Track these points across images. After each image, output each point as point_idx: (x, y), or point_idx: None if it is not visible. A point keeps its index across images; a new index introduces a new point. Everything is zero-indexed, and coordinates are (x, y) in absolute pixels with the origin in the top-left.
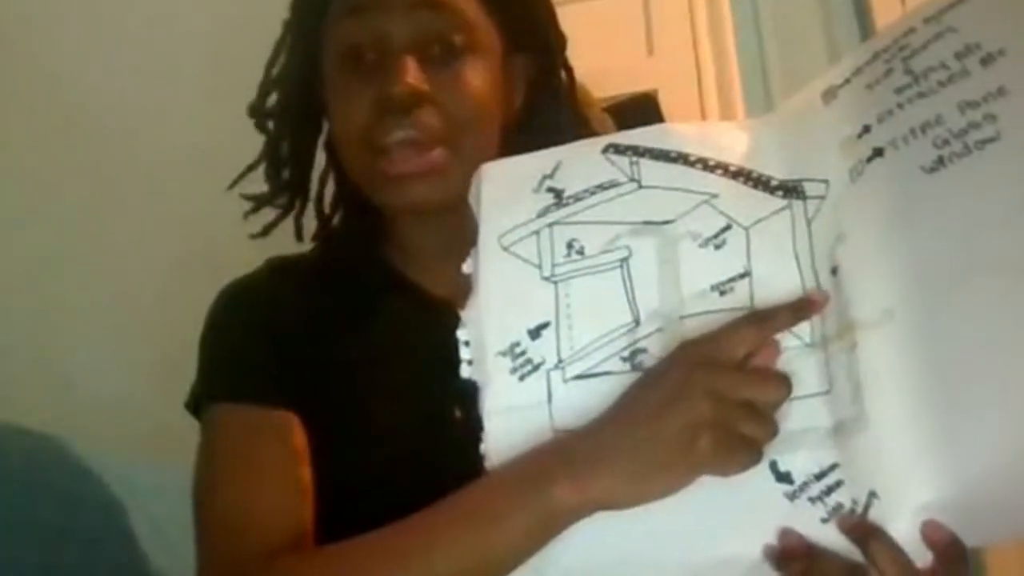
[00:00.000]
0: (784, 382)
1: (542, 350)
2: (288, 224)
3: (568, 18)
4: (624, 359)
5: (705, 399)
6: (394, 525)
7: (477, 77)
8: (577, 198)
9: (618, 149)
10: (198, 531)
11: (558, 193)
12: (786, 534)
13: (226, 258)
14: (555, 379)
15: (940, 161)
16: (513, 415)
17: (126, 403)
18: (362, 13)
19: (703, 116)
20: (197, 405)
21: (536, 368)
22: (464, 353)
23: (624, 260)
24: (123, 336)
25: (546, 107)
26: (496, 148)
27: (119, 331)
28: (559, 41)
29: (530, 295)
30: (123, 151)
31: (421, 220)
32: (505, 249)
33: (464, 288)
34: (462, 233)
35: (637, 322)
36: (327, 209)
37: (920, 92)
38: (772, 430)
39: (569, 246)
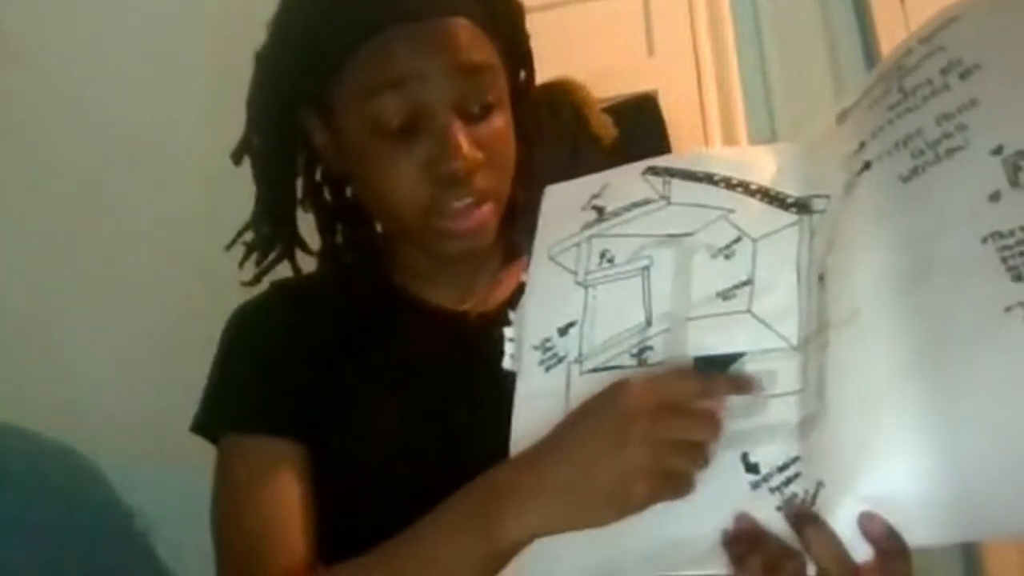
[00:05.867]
0: (713, 423)
1: (567, 346)
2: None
3: (568, 18)
4: (633, 355)
5: (640, 447)
6: (367, 558)
7: (505, 125)
8: (615, 214)
9: (656, 171)
10: (217, 559)
11: (600, 210)
12: (740, 518)
13: (227, 260)
14: (573, 371)
15: (915, 171)
16: (536, 401)
17: (126, 404)
18: (402, 85)
19: (703, 116)
20: (202, 429)
21: (560, 361)
22: (508, 348)
23: (646, 268)
24: (123, 337)
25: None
26: None
27: (119, 332)
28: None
29: (564, 298)
30: (123, 151)
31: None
32: (552, 259)
33: (465, 296)
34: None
35: (649, 323)
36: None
37: (907, 108)
38: (702, 462)
39: (602, 255)
